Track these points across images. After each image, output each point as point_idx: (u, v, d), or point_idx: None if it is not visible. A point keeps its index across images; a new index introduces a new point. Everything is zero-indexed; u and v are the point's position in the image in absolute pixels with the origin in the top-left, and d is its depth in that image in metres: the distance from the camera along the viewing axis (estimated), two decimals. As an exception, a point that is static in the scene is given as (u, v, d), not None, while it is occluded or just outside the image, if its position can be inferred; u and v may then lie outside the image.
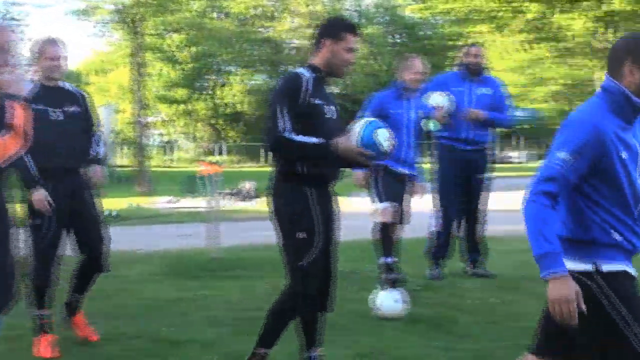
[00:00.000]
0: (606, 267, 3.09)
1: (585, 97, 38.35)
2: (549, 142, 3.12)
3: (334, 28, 4.41)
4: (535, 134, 50.05)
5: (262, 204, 18.15)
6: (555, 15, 22.83)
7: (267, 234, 11.57)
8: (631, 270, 3.15)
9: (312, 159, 4.26)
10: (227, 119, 55.49)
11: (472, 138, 7.90)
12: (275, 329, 4.41)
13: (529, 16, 22.88)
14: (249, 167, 43.31)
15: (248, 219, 14.72)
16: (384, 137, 4.21)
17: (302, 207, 4.27)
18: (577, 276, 3.05)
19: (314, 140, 4.18)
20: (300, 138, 4.16)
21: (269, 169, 4.64)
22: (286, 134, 4.15)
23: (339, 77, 4.52)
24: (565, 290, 2.94)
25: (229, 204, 17.38)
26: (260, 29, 52.07)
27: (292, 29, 52.17)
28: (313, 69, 4.39)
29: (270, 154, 4.42)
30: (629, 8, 21.80)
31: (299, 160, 4.26)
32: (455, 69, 8.34)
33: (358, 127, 4.20)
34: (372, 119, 4.46)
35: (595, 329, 3.08)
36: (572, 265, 3.07)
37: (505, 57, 34.67)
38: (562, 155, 3.03)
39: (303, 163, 4.27)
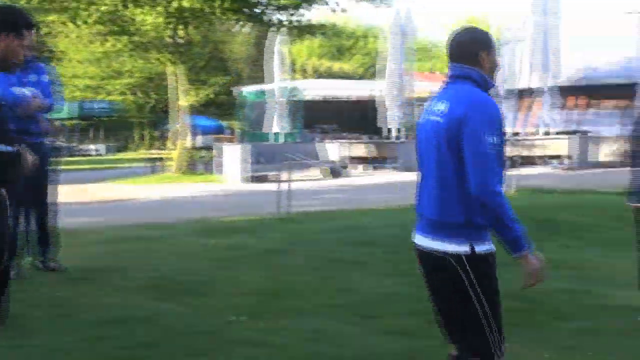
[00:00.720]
0: (479, 248, 3.30)
1: (161, 90, 38.87)
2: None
3: (14, 23, 4.08)
4: (114, 126, 50.21)
5: None
6: (127, 10, 23.01)
7: None
8: (493, 248, 3.39)
9: (5, 166, 4.06)
10: None
11: (32, 129, 7.61)
12: None
13: (102, 9, 22.79)
14: None
15: None
16: None
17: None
18: (443, 258, 3.29)
19: (7, 148, 3.99)
20: None
21: None
22: None
23: (11, 71, 4.27)
24: (537, 261, 3.22)
25: None
26: None
27: None
28: None
29: None
30: (197, 6, 22.77)
31: None
32: None
33: None
34: None
35: (456, 305, 3.34)
36: (448, 247, 3.29)
37: (82, 49, 34.25)
38: (493, 139, 3.19)
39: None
